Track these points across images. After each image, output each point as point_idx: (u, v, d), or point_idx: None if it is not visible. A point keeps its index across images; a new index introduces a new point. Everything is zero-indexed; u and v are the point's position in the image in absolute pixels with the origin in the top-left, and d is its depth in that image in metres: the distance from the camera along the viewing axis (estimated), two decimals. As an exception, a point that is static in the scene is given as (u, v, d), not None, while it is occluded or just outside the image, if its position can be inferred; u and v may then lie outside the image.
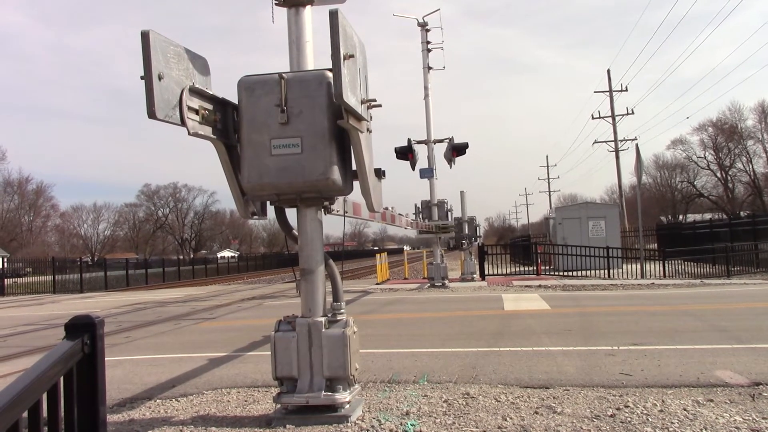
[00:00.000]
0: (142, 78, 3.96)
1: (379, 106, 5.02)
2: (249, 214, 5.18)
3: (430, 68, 20.95)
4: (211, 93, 4.65)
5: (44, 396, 2.22)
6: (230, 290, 25.98)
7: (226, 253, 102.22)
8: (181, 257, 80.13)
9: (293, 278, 41.56)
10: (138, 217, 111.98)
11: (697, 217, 60.43)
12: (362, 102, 4.74)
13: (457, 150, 20.37)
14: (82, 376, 2.43)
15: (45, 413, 2.25)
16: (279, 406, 4.81)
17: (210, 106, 4.64)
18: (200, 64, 4.63)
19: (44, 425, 2.24)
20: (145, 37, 3.96)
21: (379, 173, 5.46)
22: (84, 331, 2.47)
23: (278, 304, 16.70)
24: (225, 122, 4.84)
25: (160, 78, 4.02)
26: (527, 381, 6.08)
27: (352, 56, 4.36)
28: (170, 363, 7.94)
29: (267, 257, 78.66)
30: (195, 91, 4.43)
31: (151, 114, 3.96)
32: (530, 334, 9.09)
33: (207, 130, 4.58)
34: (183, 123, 4.23)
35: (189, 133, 4.31)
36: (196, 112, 4.42)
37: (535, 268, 25.18)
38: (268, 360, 4.85)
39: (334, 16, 4.12)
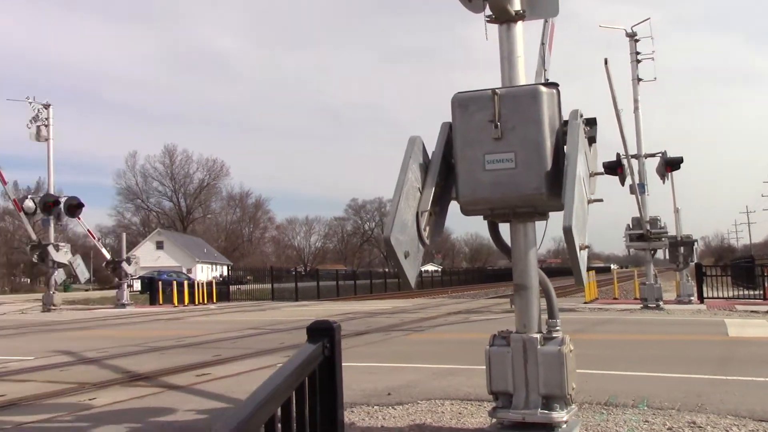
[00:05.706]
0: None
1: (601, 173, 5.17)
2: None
3: (639, 80, 19.99)
4: (429, 177, 4.74)
5: (293, 394, 2.43)
6: (435, 304, 26.42)
7: (429, 267, 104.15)
8: (387, 270, 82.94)
9: (496, 294, 41.65)
10: (346, 231, 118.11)
11: None
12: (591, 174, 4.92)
13: (671, 165, 19.32)
14: (323, 378, 2.62)
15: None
16: (494, 420, 4.82)
17: (432, 188, 4.74)
18: (417, 154, 4.76)
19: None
20: (387, 242, 4.22)
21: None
22: (324, 335, 2.66)
23: (484, 319, 16.70)
24: (445, 169, 4.91)
25: (406, 256, 4.34)
26: (761, 414, 5.54)
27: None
28: (384, 371, 8.25)
29: (469, 272, 79.11)
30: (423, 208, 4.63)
31: (408, 286, 4.45)
32: (762, 363, 8.30)
33: (434, 219, 4.74)
34: (423, 245, 4.55)
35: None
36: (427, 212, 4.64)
37: (762, 291, 22.90)
38: (478, 374, 4.90)
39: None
